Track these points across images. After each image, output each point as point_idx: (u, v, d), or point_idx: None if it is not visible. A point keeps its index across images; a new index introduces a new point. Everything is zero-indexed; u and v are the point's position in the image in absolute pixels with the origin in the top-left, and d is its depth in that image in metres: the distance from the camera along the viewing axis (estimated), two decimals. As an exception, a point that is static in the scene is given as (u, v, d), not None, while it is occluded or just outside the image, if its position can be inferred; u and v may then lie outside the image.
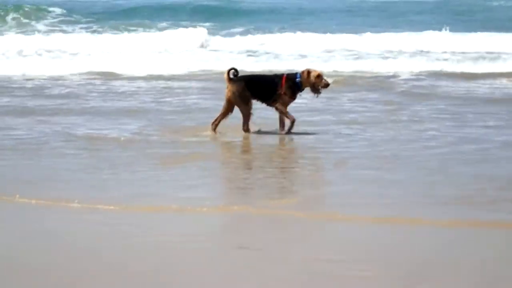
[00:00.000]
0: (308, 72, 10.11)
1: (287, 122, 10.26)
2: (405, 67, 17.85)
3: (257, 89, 10.19)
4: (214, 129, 10.33)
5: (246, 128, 10.31)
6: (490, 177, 8.00)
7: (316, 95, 10.21)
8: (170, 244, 5.90)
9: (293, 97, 10.21)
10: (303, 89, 10.21)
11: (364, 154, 9.11)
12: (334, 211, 6.81)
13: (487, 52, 20.23)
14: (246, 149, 10.13)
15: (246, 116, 10.26)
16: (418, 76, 16.74)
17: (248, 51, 21.40)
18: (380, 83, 15.73)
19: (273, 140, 10.20)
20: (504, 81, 15.91)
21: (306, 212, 6.88)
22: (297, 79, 10.09)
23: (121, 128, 10.72)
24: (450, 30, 24.13)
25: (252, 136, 10.30)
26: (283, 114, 10.16)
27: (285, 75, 10.18)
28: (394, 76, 16.73)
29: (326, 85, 10.14)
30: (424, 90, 14.75)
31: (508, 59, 18.90)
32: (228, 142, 10.26)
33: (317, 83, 10.05)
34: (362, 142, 9.81)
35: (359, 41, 22.62)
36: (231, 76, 10.24)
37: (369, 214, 6.63)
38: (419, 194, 7.41)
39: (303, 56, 20.52)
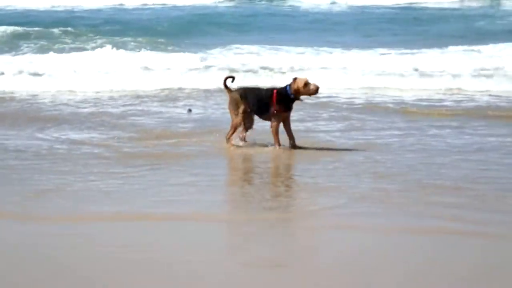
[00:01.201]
0: (295, 79, 9.85)
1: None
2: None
3: (252, 102, 9.97)
4: (231, 141, 10.15)
5: (228, 137, 10.14)
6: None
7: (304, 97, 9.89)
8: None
9: (286, 110, 9.93)
10: (298, 98, 9.90)
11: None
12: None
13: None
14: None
15: (233, 126, 10.07)
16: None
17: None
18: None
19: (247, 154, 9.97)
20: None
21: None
22: (288, 92, 9.82)
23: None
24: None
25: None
26: (273, 135, 9.92)
27: (275, 90, 9.92)
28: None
29: (315, 90, 9.83)
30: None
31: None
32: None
33: (307, 90, 9.79)
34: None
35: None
36: (228, 84, 10.17)
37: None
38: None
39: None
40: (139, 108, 13.59)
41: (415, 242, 6.53)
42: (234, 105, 10.01)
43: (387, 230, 6.81)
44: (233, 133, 10.10)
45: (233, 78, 10.25)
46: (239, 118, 9.98)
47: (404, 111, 13.10)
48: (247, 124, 10.15)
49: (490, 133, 11.00)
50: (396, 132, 11.12)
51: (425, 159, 9.39)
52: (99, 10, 33.64)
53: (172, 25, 27.14)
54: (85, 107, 13.70)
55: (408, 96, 15.02)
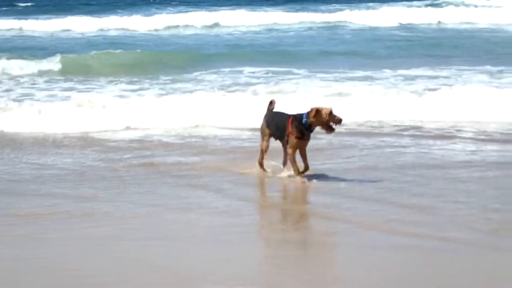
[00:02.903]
0: (317, 110, 9.04)
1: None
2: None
3: (273, 126, 9.49)
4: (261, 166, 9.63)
5: (258, 162, 9.63)
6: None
7: (328, 132, 9.14)
8: None
9: (302, 137, 9.21)
10: (313, 129, 9.20)
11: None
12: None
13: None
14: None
15: (260, 151, 9.61)
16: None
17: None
18: None
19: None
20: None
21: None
22: (303, 120, 9.14)
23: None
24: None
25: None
26: (290, 160, 9.30)
27: (291, 117, 9.28)
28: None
29: (339, 121, 9.04)
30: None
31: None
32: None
33: (330, 120, 9.04)
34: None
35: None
36: (270, 108, 9.73)
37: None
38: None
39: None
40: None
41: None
42: (262, 130, 9.63)
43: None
44: (261, 157, 9.61)
45: (272, 102, 9.73)
46: (263, 143, 9.53)
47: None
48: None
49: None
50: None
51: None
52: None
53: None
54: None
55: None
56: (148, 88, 15.93)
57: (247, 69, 18.38)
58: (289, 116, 9.31)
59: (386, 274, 6.16)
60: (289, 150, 9.27)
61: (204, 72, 18.06)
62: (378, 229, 7.27)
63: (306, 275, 6.17)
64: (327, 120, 9.02)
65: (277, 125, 9.41)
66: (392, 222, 7.45)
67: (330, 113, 9.02)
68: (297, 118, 9.20)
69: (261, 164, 9.61)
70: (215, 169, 9.69)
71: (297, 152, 9.21)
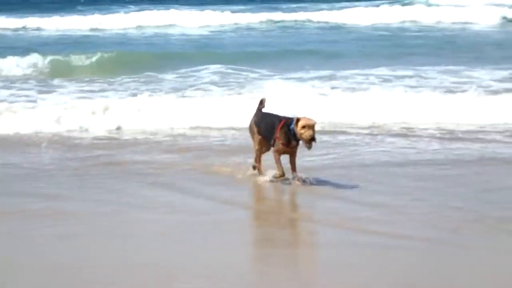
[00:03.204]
0: (297, 120, 8.63)
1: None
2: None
3: (262, 126, 9.06)
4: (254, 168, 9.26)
5: (254, 164, 9.27)
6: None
7: (305, 146, 8.64)
8: None
9: (288, 145, 8.77)
10: (298, 139, 8.69)
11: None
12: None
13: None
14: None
15: (255, 152, 9.21)
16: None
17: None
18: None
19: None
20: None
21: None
22: (291, 126, 8.72)
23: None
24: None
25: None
26: (274, 160, 8.93)
27: (283, 120, 8.83)
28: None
29: (308, 138, 8.49)
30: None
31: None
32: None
33: (300, 134, 8.59)
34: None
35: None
36: (259, 107, 9.29)
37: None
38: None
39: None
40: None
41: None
42: (250, 128, 9.28)
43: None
44: (255, 158, 9.22)
45: (262, 101, 9.29)
46: (255, 143, 9.16)
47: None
48: (264, 149, 9.20)
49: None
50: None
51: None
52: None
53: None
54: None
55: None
56: (113, 89, 15.84)
57: (211, 68, 18.40)
58: (280, 119, 8.91)
59: (351, 272, 6.21)
60: (274, 153, 8.93)
61: (166, 72, 17.98)
62: (342, 227, 7.32)
63: (268, 273, 6.22)
64: (300, 134, 8.60)
65: (266, 126, 9.00)
66: (356, 220, 7.49)
67: (304, 126, 8.51)
68: (287, 123, 8.78)
69: (257, 167, 9.20)
70: (183, 168, 9.70)
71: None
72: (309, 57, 20.88)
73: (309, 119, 8.62)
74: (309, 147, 8.59)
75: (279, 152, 8.88)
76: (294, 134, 8.69)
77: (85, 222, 7.55)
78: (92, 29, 31.28)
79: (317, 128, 8.66)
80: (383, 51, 22.27)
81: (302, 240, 7.23)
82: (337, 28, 30.76)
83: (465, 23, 31.82)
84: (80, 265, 6.40)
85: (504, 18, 33.10)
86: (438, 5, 37.70)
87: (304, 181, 8.83)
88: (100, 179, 9.23)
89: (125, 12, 36.45)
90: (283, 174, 8.89)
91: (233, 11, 36.04)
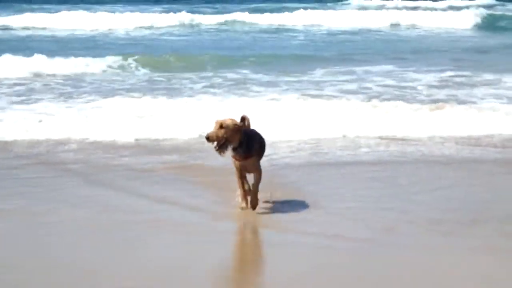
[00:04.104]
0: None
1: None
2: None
3: None
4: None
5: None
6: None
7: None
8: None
9: (234, 156, 7.54)
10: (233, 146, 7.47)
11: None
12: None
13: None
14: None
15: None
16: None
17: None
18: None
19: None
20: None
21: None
22: None
23: None
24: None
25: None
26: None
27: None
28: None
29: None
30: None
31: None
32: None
33: None
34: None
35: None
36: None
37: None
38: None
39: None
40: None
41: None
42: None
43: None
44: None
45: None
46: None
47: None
48: None
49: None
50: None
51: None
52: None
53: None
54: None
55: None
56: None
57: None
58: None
59: (280, 272, 6.22)
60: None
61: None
62: (272, 228, 7.34)
63: (195, 273, 6.19)
64: None
65: None
66: (286, 221, 7.49)
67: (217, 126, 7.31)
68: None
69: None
70: (126, 168, 9.65)
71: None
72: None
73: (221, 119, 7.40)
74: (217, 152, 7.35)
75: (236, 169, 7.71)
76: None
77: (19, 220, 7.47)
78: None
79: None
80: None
81: (231, 240, 7.23)
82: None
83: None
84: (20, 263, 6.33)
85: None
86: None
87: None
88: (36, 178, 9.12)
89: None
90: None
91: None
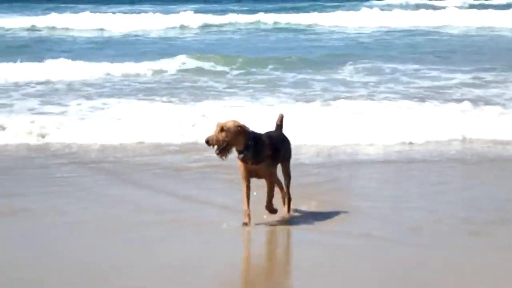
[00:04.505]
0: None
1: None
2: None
3: None
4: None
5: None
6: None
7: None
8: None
9: (243, 160, 7.08)
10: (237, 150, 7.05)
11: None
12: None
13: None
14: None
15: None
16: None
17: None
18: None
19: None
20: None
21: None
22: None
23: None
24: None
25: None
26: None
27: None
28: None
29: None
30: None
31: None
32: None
33: None
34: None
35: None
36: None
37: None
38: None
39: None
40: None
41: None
42: None
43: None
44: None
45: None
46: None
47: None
48: None
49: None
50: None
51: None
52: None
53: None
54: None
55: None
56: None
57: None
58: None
59: (307, 271, 6.18)
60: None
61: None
62: (301, 227, 7.29)
63: (219, 272, 6.17)
64: None
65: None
66: (314, 221, 7.46)
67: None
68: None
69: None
70: (156, 167, 9.67)
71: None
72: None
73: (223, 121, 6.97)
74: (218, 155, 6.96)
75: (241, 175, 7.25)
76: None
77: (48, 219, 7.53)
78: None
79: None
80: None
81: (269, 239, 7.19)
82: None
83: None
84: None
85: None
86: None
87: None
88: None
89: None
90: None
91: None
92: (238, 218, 7.21)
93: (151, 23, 31.99)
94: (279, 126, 7.58)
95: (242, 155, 6.96)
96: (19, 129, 11.51)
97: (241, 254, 6.73)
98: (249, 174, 7.12)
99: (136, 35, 28.52)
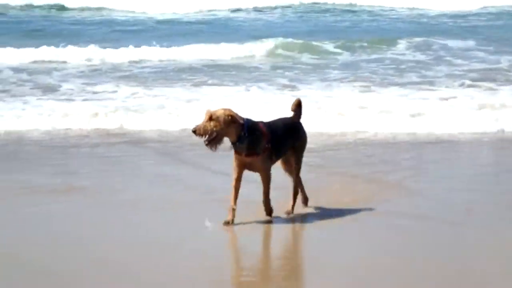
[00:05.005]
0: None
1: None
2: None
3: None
4: None
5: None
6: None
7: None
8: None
9: (236, 151, 6.51)
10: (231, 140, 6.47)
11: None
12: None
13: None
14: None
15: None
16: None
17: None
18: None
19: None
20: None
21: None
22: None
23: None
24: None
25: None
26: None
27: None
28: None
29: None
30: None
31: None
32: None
33: None
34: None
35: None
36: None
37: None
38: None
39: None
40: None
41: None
42: None
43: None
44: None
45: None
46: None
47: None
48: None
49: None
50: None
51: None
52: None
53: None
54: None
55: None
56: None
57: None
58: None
59: (360, 251, 6.11)
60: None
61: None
62: (353, 205, 7.19)
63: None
64: None
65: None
66: (366, 201, 7.36)
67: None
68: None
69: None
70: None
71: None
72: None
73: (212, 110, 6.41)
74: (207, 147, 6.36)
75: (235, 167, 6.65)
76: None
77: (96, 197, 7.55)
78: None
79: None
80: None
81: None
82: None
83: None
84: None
85: None
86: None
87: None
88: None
89: None
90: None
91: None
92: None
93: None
94: (296, 112, 6.89)
95: (236, 146, 6.38)
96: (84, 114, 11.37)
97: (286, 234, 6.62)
98: (242, 166, 6.50)
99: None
